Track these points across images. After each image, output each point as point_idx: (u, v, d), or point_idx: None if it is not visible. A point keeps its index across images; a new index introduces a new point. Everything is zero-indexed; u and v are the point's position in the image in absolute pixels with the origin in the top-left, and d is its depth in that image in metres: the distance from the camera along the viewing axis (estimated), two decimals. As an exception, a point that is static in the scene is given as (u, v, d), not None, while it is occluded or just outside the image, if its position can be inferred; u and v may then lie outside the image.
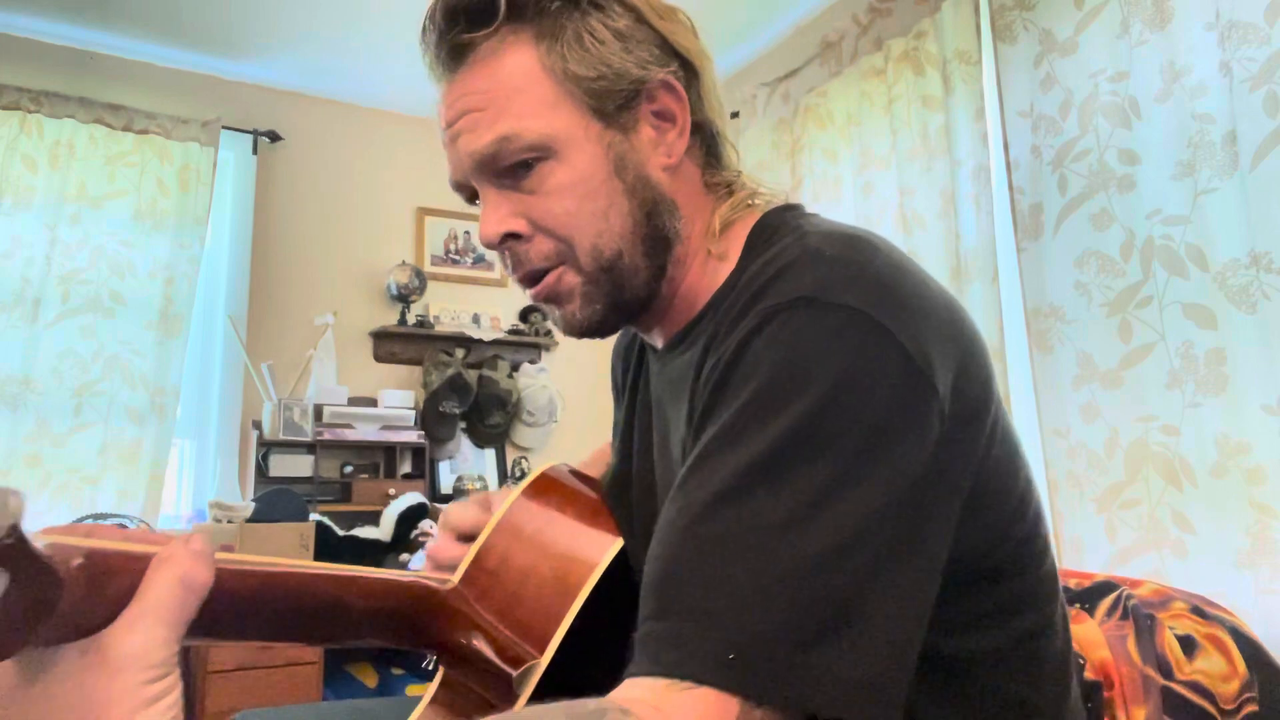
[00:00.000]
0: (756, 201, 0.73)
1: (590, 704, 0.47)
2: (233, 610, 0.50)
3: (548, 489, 0.79)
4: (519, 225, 0.67)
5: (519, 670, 0.66)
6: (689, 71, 0.70)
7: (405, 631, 0.66)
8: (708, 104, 0.71)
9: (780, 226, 0.67)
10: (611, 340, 0.84)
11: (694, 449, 0.57)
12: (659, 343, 0.76)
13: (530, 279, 0.69)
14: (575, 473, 0.84)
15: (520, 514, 0.75)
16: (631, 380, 0.84)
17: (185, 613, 0.43)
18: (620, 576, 0.73)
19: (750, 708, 0.48)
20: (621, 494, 0.80)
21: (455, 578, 0.70)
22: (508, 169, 0.66)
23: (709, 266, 0.71)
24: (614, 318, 0.70)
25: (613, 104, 0.66)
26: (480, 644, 0.68)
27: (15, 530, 0.35)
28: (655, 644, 0.51)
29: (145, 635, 0.41)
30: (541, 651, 0.66)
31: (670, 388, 0.73)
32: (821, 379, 0.53)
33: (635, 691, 0.49)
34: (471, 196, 0.71)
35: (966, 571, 0.59)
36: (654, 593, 0.53)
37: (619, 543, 0.74)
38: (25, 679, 0.41)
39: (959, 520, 0.57)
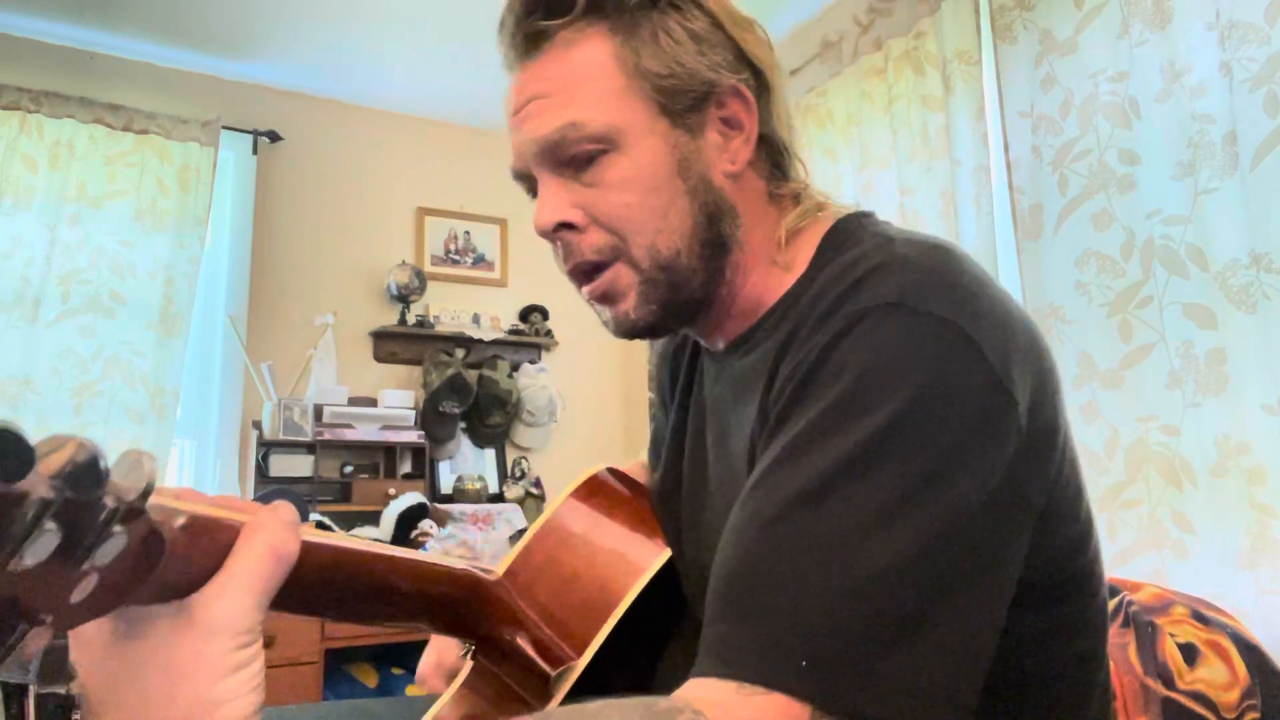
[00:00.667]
0: (823, 214, 0.72)
1: (663, 702, 0.47)
2: (303, 583, 0.50)
3: (597, 492, 0.79)
4: (575, 216, 0.67)
5: (557, 670, 0.66)
6: (760, 83, 0.70)
7: (449, 618, 0.67)
8: (776, 117, 0.71)
9: (857, 231, 0.67)
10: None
11: (771, 448, 0.57)
12: (719, 345, 0.75)
13: (581, 272, 0.69)
14: (623, 478, 0.84)
15: (569, 515, 0.76)
16: (684, 384, 0.83)
17: (273, 582, 0.43)
18: (661, 585, 0.73)
19: (820, 715, 0.47)
20: (670, 496, 0.79)
21: (500, 570, 0.71)
22: (569, 159, 0.66)
23: (773, 273, 0.70)
24: (668, 319, 0.70)
25: (682, 104, 0.66)
26: (521, 639, 0.68)
27: (148, 494, 0.35)
28: (725, 646, 0.50)
29: (235, 601, 0.41)
30: (580, 654, 0.66)
31: (732, 389, 0.72)
32: (907, 386, 0.53)
33: (706, 693, 0.49)
34: (532, 188, 0.70)
35: (1028, 592, 0.59)
36: (724, 593, 0.53)
37: (666, 553, 0.74)
38: (117, 637, 0.41)
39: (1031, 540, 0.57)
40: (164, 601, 0.41)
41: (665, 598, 0.76)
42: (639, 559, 0.73)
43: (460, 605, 0.66)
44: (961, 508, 0.52)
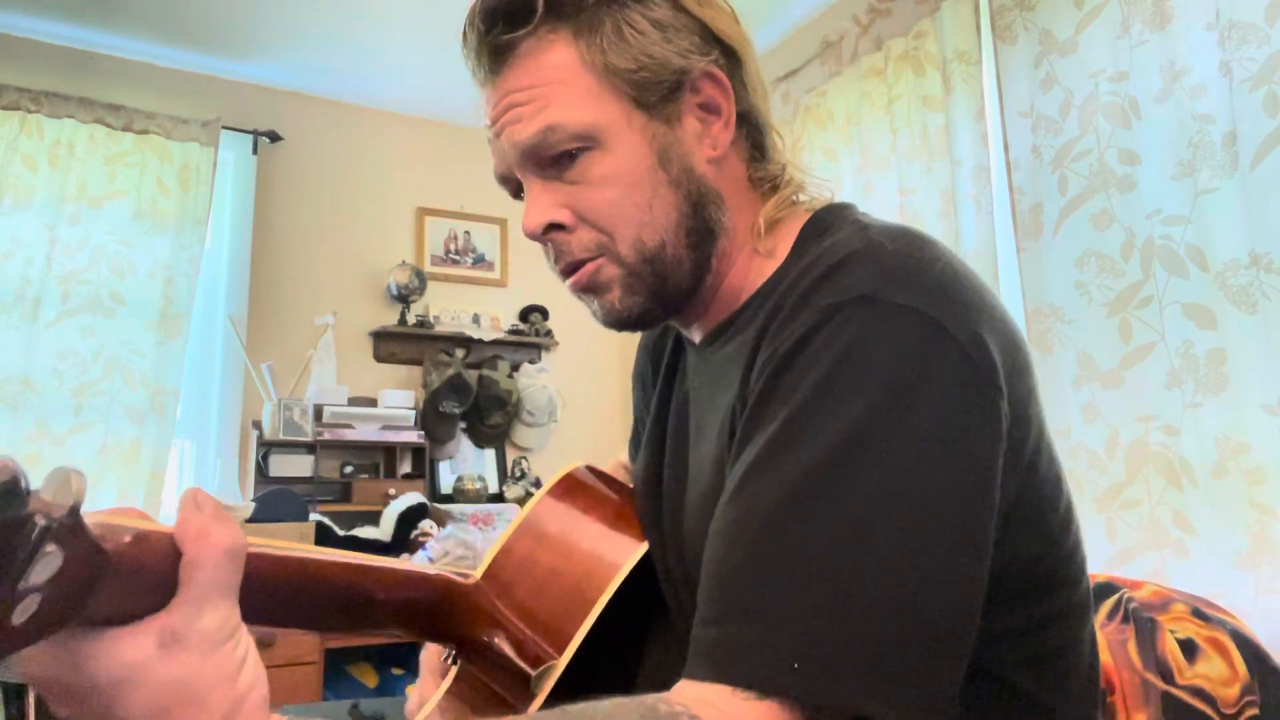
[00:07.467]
0: (802, 199, 0.72)
1: (661, 707, 0.48)
2: (265, 595, 0.50)
3: (573, 490, 0.79)
4: (563, 216, 0.67)
5: (538, 670, 0.66)
6: (731, 59, 0.69)
7: (427, 624, 0.67)
8: (752, 90, 0.71)
9: (837, 221, 0.67)
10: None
11: (751, 447, 0.57)
12: (698, 336, 0.75)
13: (570, 270, 0.69)
14: (599, 474, 0.84)
15: (545, 514, 0.75)
16: (665, 376, 0.83)
17: (237, 577, 0.44)
18: (639, 579, 0.73)
19: (814, 715, 0.48)
20: (650, 490, 0.79)
21: (478, 574, 0.71)
22: (552, 159, 0.66)
23: (754, 262, 0.70)
24: (656, 309, 0.70)
25: (655, 95, 0.66)
26: (500, 641, 0.68)
27: (76, 510, 0.35)
28: (718, 649, 0.51)
29: (216, 611, 0.42)
30: (560, 652, 0.66)
31: (711, 380, 0.72)
32: (881, 381, 0.53)
33: (701, 694, 0.49)
34: (517, 190, 0.70)
35: (1011, 585, 0.59)
36: (716, 596, 0.53)
37: (643, 547, 0.74)
38: (77, 662, 0.40)
39: (1009, 533, 0.57)
40: (115, 623, 0.40)
41: (646, 591, 0.76)
42: (617, 554, 0.73)
43: (435, 610, 0.66)
44: (948, 501, 0.52)
